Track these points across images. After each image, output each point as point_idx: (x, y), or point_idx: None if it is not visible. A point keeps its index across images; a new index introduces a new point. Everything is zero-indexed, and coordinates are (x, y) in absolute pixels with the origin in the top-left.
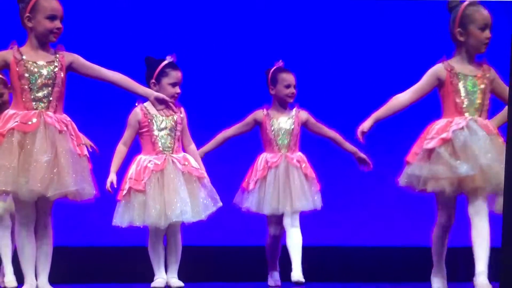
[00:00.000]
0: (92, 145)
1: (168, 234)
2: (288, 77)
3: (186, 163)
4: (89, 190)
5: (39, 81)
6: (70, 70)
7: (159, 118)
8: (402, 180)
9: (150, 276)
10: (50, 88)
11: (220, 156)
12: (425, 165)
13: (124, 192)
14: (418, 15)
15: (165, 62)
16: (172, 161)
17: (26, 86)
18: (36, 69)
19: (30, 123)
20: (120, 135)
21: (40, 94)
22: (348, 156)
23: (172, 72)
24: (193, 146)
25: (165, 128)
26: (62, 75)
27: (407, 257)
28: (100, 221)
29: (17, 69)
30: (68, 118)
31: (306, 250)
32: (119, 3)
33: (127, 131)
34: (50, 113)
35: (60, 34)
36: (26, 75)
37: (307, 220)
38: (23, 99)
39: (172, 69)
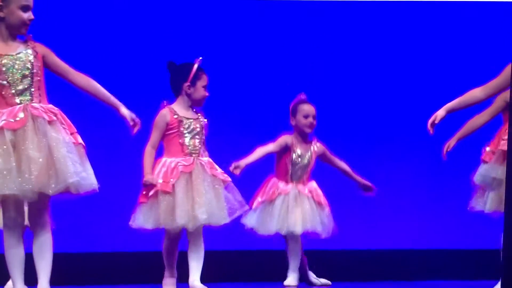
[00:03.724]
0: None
1: (190, 237)
2: (307, 108)
3: (211, 167)
4: (90, 180)
5: (17, 74)
6: (42, 61)
7: (188, 121)
8: (477, 179)
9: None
10: (29, 79)
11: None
12: (501, 166)
13: (150, 193)
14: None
15: (197, 65)
16: (200, 164)
17: (5, 82)
18: (11, 62)
19: (18, 119)
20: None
21: (20, 87)
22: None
23: (203, 75)
24: (207, 154)
25: (193, 130)
26: (39, 64)
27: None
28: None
29: None
30: (56, 108)
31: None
32: (121, 4)
33: (155, 133)
34: (36, 105)
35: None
36: (3, 69)
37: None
38: (4, 95)
39: (203, 72)
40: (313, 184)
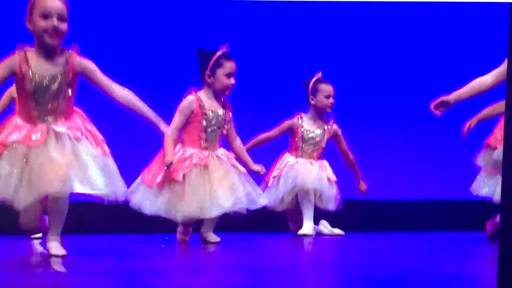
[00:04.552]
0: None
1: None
2: (328, 88)
3: (228, 158)
4: (121, 190)
5: (46, 96)
6: (81, 75)
7: (211, 113)
8: (480, 162)
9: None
10: (57, 101)
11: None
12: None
13: (158, 179)
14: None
15: (219, 52)
16: (216, 156)
17: (31, 101)
18: (42, 83)
19: (34, 138)
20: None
21: (46, 108)
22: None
23: (226, 62)
24: (239, 141)
25: (214, 124)
26: (73, 82)
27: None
28: None
29: (22, 80)
30: (79, 122)
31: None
32: (129, 4)
33: (179, 118)
34: (60, 124)
35: (61, 35)
36: (32, 89)
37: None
38: (28, 110)
39: (226, 59)
40: (324, 162)
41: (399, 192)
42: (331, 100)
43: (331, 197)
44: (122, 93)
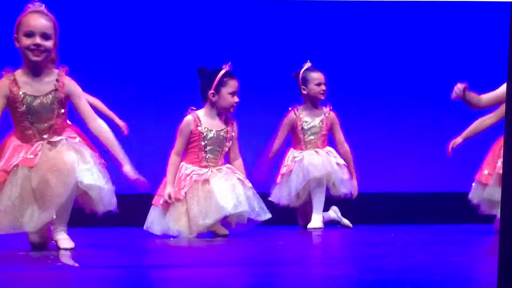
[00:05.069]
0: (122, 125)
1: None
2: (318, 76)
3: (232, 171)
4: (109, 198)
5: (39, 114)
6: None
7: (211, 131)
8: (473, 199)
9: None
10: (51, 119)
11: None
12: (500, 189)
13: (162, 200)
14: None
15: (223, 71)
16: (217, 170)
17: (26, 122)
18: (33, 102)
19: (32, 156)
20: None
21: (41, 126)
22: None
23: (230, 81)
24: (239, 161)
25: (214, 142)
26: (63, 101)
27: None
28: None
29: (15, 104)
30: (74, 134)
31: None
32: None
33: (180, 140)
34: (56, 137)
35: (45, 52)
36: (24, 109)
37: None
38: (23, 131)
39: (230, 78)
40: (329, 148)
41: (404, 185)
42: (322, 87)
43: (342, 180)
44: (99, 128)
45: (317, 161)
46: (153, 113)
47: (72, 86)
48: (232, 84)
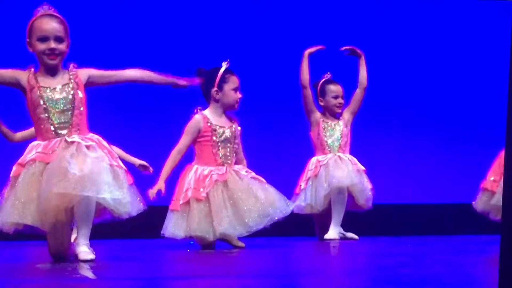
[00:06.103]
0: (145, 164)
1: None
2: (336, 88)
3: (246, 171)
4: (125, 205)
5: (57, 108)
6: (89, 85)
7: (221, 129)
8: (479, 207)
9: None
10: (70, 113)
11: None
12: None
13: (181, 201)
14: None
15: (223, 68)
16: (234, 171)
17: (44, 115)
18: (51, 96)
19: (51, 152)
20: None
21: (59, 121)
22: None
23: (231, 77)
24: (245, 163)
25: (226, 139)
26: (81, 95)
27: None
28: None
29: (32, 96)
30: (96, 136)
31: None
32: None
33: (185, 139)
34: (74, 136)
35: (60, 55)
36: (42, 102)
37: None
38: (42, 128)
39: (231, 74)
40: (350, 156)
41: (415, 196)
42: (339, 100)
43: (361, 191)
44: (135, 72)
45: (341, 170)
46: (158, 119)
47: (85, 69)
48: (234, 80)
